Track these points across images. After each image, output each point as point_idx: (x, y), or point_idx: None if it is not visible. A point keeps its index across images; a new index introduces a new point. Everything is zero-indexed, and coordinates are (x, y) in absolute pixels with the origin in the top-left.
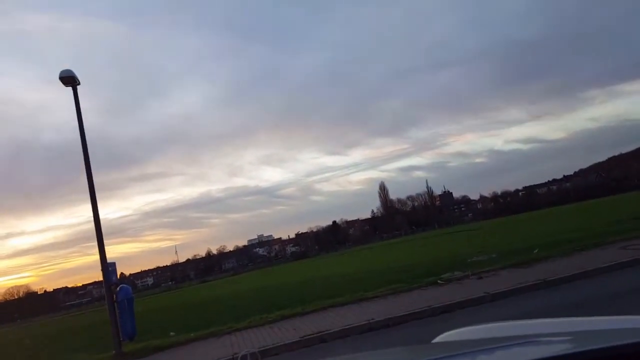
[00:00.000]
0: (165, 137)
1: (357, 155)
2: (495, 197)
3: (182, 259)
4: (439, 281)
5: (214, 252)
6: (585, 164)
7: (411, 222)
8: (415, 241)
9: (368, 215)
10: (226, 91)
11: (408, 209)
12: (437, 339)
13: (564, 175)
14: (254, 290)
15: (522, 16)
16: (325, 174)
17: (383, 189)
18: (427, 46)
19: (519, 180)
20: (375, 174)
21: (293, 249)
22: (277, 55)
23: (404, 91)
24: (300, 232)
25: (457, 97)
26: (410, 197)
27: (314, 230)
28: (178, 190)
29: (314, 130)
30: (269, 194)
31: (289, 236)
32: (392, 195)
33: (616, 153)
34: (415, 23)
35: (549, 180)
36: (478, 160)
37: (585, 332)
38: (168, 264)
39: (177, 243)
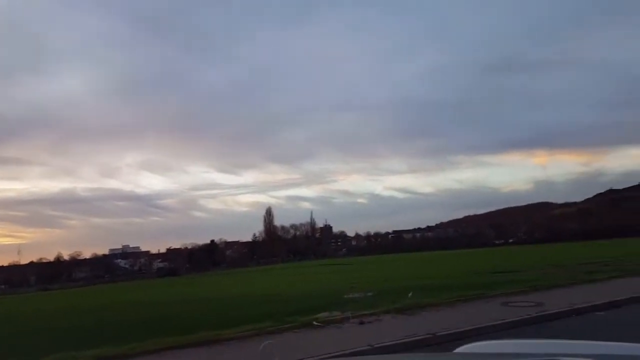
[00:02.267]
0: (32, 118)
1: (249, 177)
2: (368, 237)
3: (24, 261)
4: (314, 322)
5: (66, 257)
6: (445, 218)
7: (290, 250)
8: (292, 269)
9: (249, 238)
10: (118, 83)
11: (289, 237)
12: (459, 350)
13: (427, 226)
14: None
15: (422, 77)
16: (212, 190)
17: (269, 214)
18: (337, 87)
19: (391, 224)
20: (264, 199)
21: (161, 264)
22: (186, 60)
23: (305, 125)
24: (172, 248)
25: (351, 140)
26: (293, 226)
27: (189, 247)
28: (36, 182)
29: (208, 144)
30: (144, 202)
31: (159, 250)
32: (277, 222)
33: (471, 213)
34: (330, 63)
35: (414, 228)
36: (359, 200)
37: (606, 356)
38: (5, 264)
39: (22, 242)
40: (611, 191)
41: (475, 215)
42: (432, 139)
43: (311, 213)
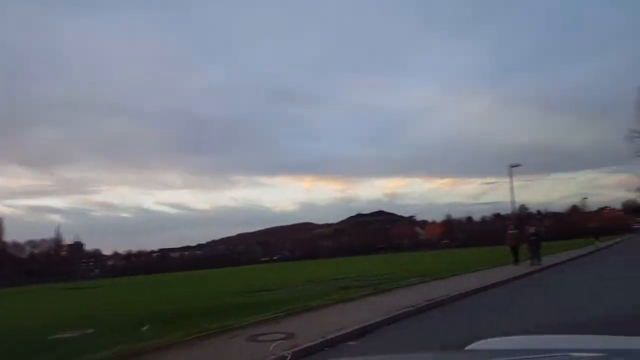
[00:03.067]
0: None
1: None
2: (128, 255)
3: None
4: None
5: None
6: (218, 236)
7: (24, 271)
8: (13, 295)
9: None
10: None
11: (25, 256)
12: (470, 347)
13: (198, 244)
14: None
15: (207, 93)
16: None
17: None
18: (108, 88)
19: (159, 242)
20: None
21: None
22: None
23: (64, 125)
24: None
25: (120, 148)
26: (31, 242)
27: None
28: None
29: None
30: None
31: None
32: (9, 237)
33: (244, 231)
34: (104, 61)
35: (183, 246)
36: (124, 214)
37: (618, 351)
38: None
39: None
40: (359, 215)
41: (247, 233)
42: (212, 156)
43: (57, 227)
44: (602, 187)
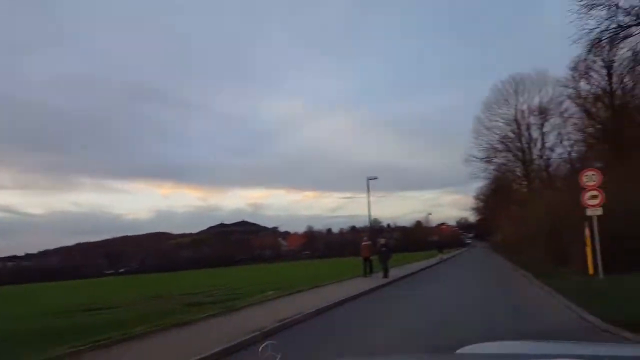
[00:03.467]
0: None
1: None
2: None
3: None
4: None
5: None
6: (53, 245)
7: None
8: None
9: None
10: None
11: None
12: (461, 351)
13: (27, 253)
14: None
15: (53, 81)
16: None
17: None
18: None
19: None
20: None
21: None
22: None
23: None
24: None
25: None
26: None
27: None
28: None
29: None
30: None
31: None
32: None
33: (85, 240)
34: None
35: (9, 256)
36: None
37: (608, 357)
38: None
39: None
40: (222, 225)
41: (90, 243)
42: (51, 154)
43: None
44: (442, 206)
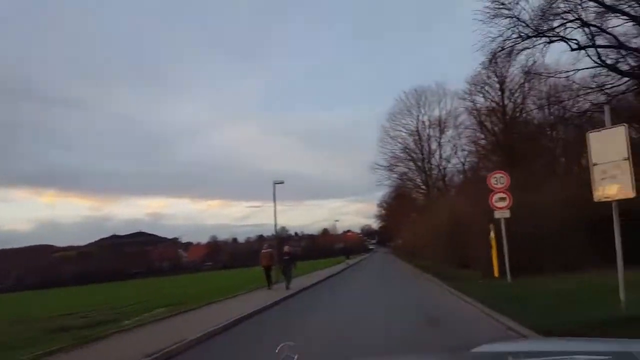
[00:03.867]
0: None
1: None
2: None
3: None
4: None
5: None
6: None
7: None
8: None
9: None
10: None
11: None
12: (476, 350)
13: None
14: None
15: None
16: None
17: None
18: None
19: None
20: None
21: None
22: None
23: None
24: None
25: None
26: None
27: None
28: None
29: None
30: None
31: None
32: None
33: None
34: None
35: None
36: None
37: (624, 353)
38: None
39: None
40: (114, 236)
41: None
42: None
43: None
44: (348, 214)
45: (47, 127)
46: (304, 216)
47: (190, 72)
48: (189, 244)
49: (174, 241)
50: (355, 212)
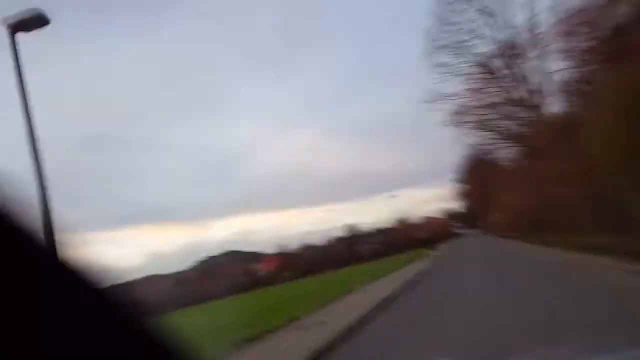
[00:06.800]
0: None
1: None
2: None
3: None
4: None
5: None
6: None
7: None
8: None
9: None
10: None
11: None
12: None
13: None
14: None
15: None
16: None
17: None
18: None
19: None
20: None
21: None
22: None
23: None
24: None
25: None
26: None
27: None
28: None
29: None
30: None
31: None
32: None
33: None
34: None
35: None
36: None
37: None
38: None
39: None
40: (210, 258)
41: None
42: None
43: None
44: (423, 201)
45: (134, 167)
46: (376, 211)
47: (242, 90)
48: (271, 255)
49: (255, 255)
50: (433, 198)
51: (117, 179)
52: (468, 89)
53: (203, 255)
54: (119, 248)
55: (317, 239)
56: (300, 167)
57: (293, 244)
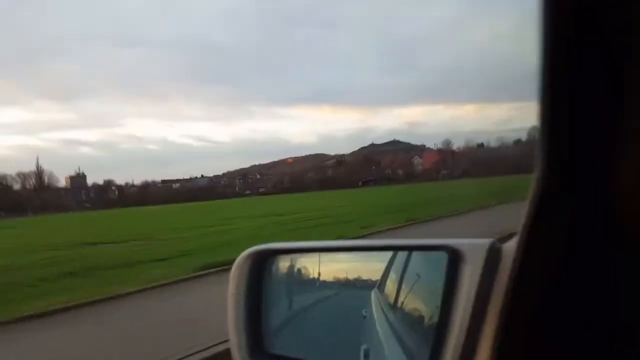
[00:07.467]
0: None
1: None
2: (121, 187)
3: None
4: None
5: None
6: (234, 167)
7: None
8: None
9: None
10: None
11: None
12: None
13: (202, 175)
14: None
15: (217, 18)
16: None
17: None
18: (116, 16)
19: (180, 173)
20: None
21: None
22: None
23: (81, 56)
24: None
25: (139, 80)
26: (21, 174)
27: None
28: None
29: None
30: None
31: None
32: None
33: (257, 162)
34: None
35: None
36: (150, 146)
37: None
38: None
39: None
40: (372, 145)
41: (261, 165)
42: (228, 86)
43: (37, 159)
44: None
45: (313, 49)
46: None
47: None
48: (437, 151)
49: (422, 148)
50: None
51: (301, 56)
52: None
53: (368, 141)
54: (297, 123)
55: (492, 139)
56: (492, 57)
57: (459, 142)
